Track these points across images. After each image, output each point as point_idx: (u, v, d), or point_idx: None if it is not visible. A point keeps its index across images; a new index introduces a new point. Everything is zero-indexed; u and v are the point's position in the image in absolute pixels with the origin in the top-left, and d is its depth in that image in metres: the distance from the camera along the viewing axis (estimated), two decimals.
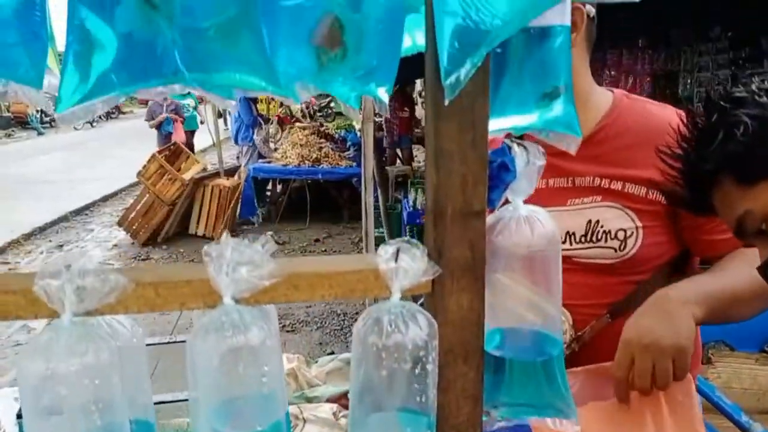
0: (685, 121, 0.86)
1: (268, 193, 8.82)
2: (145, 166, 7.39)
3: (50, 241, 7.81)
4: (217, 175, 8.07)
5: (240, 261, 0.62)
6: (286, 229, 7.81)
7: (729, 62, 4.53)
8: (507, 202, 0.74)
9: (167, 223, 7.35)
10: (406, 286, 0.64)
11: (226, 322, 0.61)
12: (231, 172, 8.52)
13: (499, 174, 0.66)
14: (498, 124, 0.67)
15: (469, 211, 0.65)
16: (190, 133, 9.91)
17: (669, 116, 1.24)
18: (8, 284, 0.61)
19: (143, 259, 6.80)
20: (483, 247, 0.66)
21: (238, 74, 0.58)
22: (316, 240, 7.36)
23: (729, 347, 2.62)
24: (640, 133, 1.23)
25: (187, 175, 7.55)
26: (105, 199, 10.23)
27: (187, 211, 7.60)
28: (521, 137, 0.70)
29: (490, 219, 0.71)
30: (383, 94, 0.61)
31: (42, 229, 8.23)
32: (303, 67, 0.55)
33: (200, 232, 7.56)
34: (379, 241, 6.06)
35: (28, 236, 7.84)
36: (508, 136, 0.69)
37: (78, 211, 9.27)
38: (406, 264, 0.64)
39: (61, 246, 7.55)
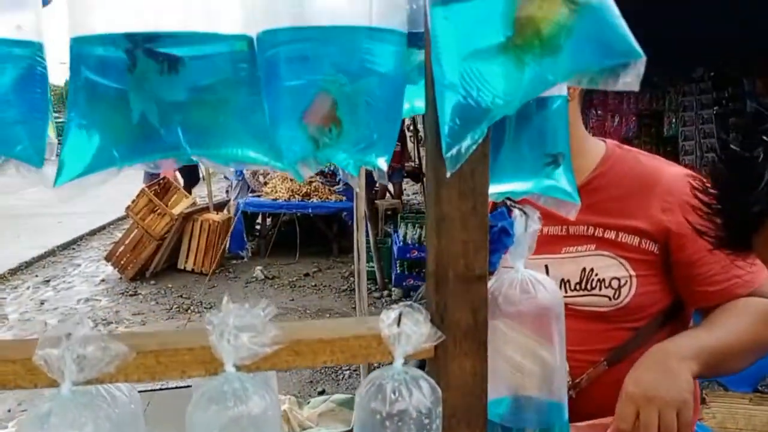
0: (719, 153, 0.80)
1: (258, 227, 8.78)
2: (134, 200, 7.34)
3: (37, 276, 7.69)
4: (206, 209, 8.04)
5: (241, 327, 0.62)
6: (276, 264, 7.75)
7: (712, 102, 4.63)
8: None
9: (156, 258, 7.27)
10: (409, 352, 0.64)
11: (227, 391, 0.60)
12: (220, 207, 8.49)
13: (499, 238, 0.67)
14: (497, 189, 0.68)
15: (471, 275, 0.65)
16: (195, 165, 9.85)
17: (659, 167, 1.27)
18: (8, 354, 0.60)
19: (131, 295, 6.71)
20: (485, 311, 0.66)
21: (240, 150, 0.58)
22: (306, 274, 7.31)
23: (723, 387, 2.62)
24: (633, 183, 1.25)
25: (177, 210, 7.50)
26: (93, 233, 10.12)
27: (176, 246, 7.54)
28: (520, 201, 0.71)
29: (490, 282, 0.72)
30: (383, 163, 0.62)
31: (29, 264, 8.11)
32: (303, 146, 0.55)
33: (189, 267, 7.48)
34: (370, 275, 6.03)
35: (14, 271, 7.73)
36: (509, 199, 0.70)
37: (65, 246, 9.16)
38: (408, 329, 0.63)
39: (48, 281, 7.44)
